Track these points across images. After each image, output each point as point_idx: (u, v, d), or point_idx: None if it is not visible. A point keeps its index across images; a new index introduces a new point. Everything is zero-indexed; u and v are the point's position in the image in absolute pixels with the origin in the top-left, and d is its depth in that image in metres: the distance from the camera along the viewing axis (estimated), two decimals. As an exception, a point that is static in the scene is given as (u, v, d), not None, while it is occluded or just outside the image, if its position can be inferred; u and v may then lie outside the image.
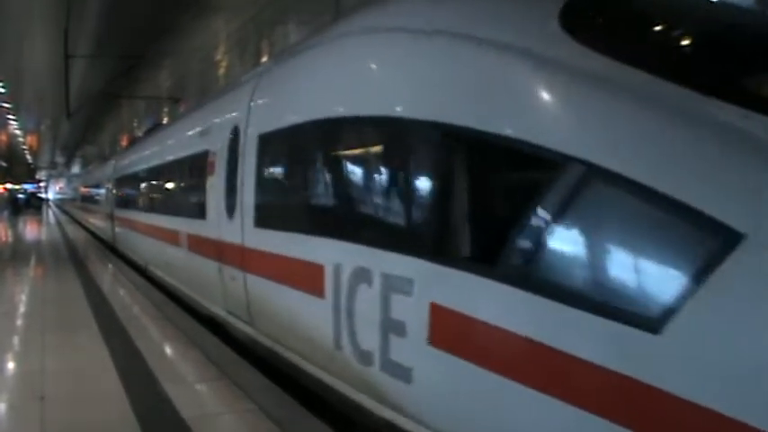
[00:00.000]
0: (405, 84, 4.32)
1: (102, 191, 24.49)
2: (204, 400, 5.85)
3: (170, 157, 11.45)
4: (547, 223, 3.20)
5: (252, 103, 6.94)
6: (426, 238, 4.00)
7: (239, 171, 6.97)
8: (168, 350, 7.67)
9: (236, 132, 7.26)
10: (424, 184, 4.10)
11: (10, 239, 26.65)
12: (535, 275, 3.22)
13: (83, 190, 37.34)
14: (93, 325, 8.80)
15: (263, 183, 6.51)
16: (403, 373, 4.09)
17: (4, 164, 68.31)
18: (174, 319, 9.24)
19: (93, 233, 27.77)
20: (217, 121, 8.33)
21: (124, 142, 38.65)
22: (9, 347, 7.83)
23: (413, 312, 3.97)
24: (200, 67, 20.31)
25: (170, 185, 11.75)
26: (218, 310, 8.20)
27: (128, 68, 18.46)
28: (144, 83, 22.48)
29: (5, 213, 47.90)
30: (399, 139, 4.29)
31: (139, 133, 32.80)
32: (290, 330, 5.85)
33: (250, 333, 7.02)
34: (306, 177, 5.72)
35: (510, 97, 3.53)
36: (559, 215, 3.15)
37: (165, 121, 25.18)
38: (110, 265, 16.19)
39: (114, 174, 20.59)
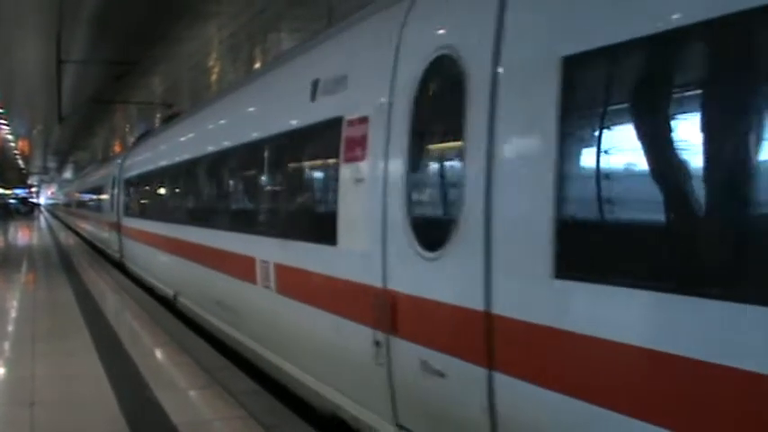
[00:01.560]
0: None
1: (106, 196, 20.41)
2: (195, 406, 5.88)
3: (231, 142, 7.82)
4: None
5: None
6: None
7: (471, 147, 3.44)
8: (159, 356, 7.68)
9: (437, 70, 3.83)
10: None
11: (0, 245, 26.56)
12: None
13: (79, 195, 33.88)
14: (85, 331, 8.80)
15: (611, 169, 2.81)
16: None
17: (-5, 169, 68.09)
18: (165, 325, 9.24)
19: (91, 244, 24.58)
20: (366, 58, 4.86)
21: (117, 147, 38.59)
22: (-1, 353, 7.84)
23: None
24: (193, 74, 20.33)
25: (230, 185, 8.22)
26: (365, 415, 4.60)
27: (120, 74, 18.46)
28: (137, 89, 22.47)
29: (-4, 218, 47.74)
30: None
31: (132, 138, 32.73)
32: None
33: None
34: None
35: None
36: None
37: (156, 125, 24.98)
38: (101, 271, 16.16)
39: (123, 174, 16.95)
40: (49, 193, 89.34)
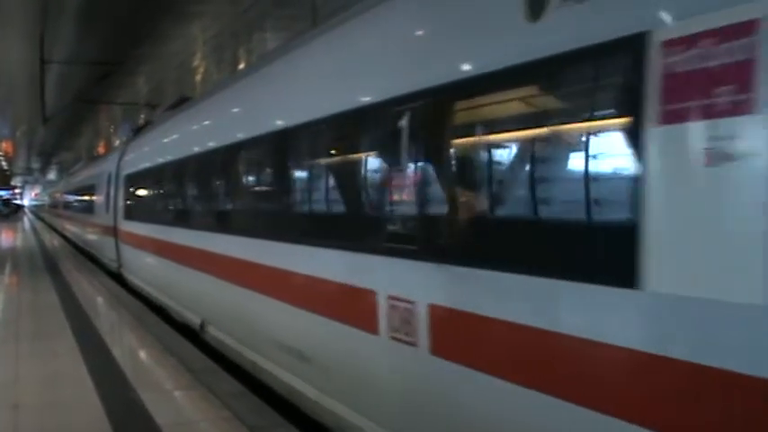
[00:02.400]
0: None
1: (99, 195, 17.97)
2: (180, 407, 5.85)
3: (321, 110, 5.20)
4: None
5: None
6: None
7: None
8: (144, 358, 7.66)
9: None
10: None
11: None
12: None
13: (67, 196, 31.48)
14: (69, 333, 8.74)
15: None
16: None
17: (-22, 170, 67.60)
18: (150, 326, 9.20)
19: (82, 250, 22.31)
20: None
21: (102, 149, 38.38)
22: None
23: None
24: (178, 73, 20.27)
25: (317, 175, 5.44)
26: None
27: (104, 75, 18.37)
28: (121, 89, 22.38)
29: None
30: None
31: (117, 140, 32.49)
32: None
33: None
34: None
35: None
36: None
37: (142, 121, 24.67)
38: (85, 273, 16.07)
39: (123, 170, 14.40)
40: (33, 194, 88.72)
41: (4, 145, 46.94)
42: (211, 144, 8.09)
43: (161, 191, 10.97)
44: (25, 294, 12.60)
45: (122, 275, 14.24)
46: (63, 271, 16.40)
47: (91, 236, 19.97)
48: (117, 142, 30.21)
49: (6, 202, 71.56)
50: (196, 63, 19.09)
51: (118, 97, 23.61)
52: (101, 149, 38.29)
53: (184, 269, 8.84)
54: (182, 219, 9.30)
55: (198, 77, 20.61)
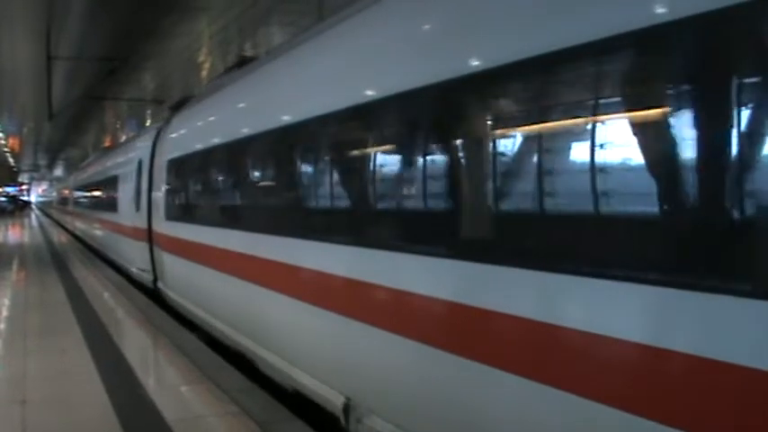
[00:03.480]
0: None
1: (125, 189, 14.38)
2: (187, 402, 5.84)
3: None
4: None
5: None
6: None
7: None
8: (151, 353, 7.66)
9: None
10: None
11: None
12: None
13: (75, 192, 28.86)
14: (76, 328, 8.75)
15: None
16: None
17: (-15, 167, 67.80)
18: (157, 322, 9.20)
19: (99, 254, 19.36)
20: None
21: (108, 144, 38.46)
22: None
23: None
24: (184, 69, 20.27)
25: None
26: None
27: (110, 70, 18.37)
28: (127, 85, 22.40)
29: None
30: None
31: (124, 135, 32.47)
32: None
33: None
34: None
35: None
36: None
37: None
38: (92, 268, 16.09)
39: (162, 155, 10.95)
40: (40, 190, 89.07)
41: (11, 141, 47.09)
42: (350, 101, 4.83)
43: (251, 179, 7.07)
44: (33, 290, 12.62)
45: (160, 292, 11.05)
46: (70, 267, 16.43)
47: (112, 239, 16.47)
48: (123, 138, 30.24)
49: (12, 198, 71.81)
50: (202, 59, 19.09)
51: (124, 93, 23.64)
52: (107, 145, 38.33)
53: (305, 307, 5.35)
54: (302, 224, 5.59)
55: (204, 73, 20.61)
